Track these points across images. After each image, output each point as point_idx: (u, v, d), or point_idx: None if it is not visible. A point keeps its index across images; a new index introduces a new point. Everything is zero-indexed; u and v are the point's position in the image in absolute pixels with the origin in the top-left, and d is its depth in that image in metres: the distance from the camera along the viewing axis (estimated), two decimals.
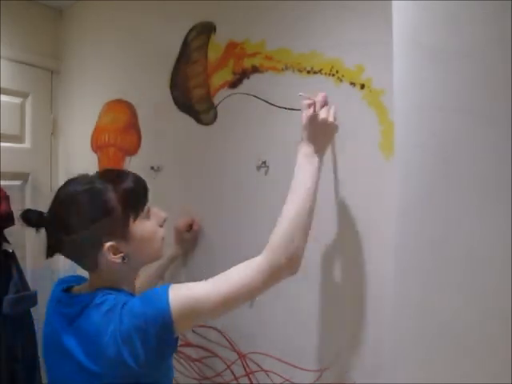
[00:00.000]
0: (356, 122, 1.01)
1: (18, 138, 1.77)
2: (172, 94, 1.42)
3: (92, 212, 0.80)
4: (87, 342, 0.76)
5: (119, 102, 1.61)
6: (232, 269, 0.80)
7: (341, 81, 1.04)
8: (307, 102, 0.89)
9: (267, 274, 0.78)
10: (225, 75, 1.28)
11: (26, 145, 1.80)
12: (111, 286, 0.83)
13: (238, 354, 1.24)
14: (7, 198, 1.51)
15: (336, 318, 1.05)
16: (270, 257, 0.79)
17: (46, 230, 0.84)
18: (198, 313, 0.76)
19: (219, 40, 1.29)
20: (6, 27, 1.68)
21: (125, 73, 1.61)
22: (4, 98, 1.69)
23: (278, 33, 1.16)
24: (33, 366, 1.53)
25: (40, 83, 1.84)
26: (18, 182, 1.75)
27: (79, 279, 0.93)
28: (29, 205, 1.76)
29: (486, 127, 0.53)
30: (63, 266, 1.80)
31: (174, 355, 1.26)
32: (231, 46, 1.26)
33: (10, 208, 1.50)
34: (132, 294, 0.86)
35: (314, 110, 0.87)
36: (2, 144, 1.65)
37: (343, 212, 1.02)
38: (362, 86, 1.00)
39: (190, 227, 1.31)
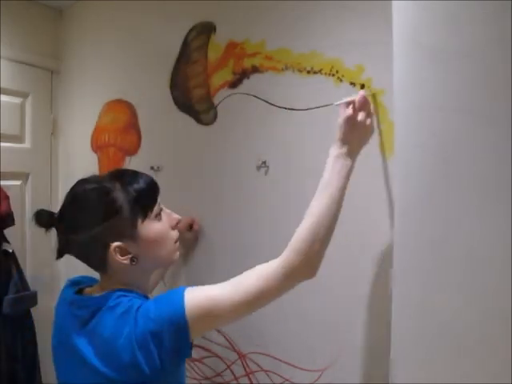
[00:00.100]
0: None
1: (18, 138, 1.77)
2: (172, 94, 1.43)
3: (99, 211, 0.79)
4: (100, 344, 0.74)
5: (119, 101, 1.61)
6: (249, 272, 0.78)
7: (341, 81, 1.04)
8: (347, 99, 0.83)
9: (285, 278, 0.75)
10: (225, 75, 1.28)
11: (26, 145, 1.80)
12: (123, 288, 0.81)
13: (238, 354, 1.24)
14: (7, 197, 1.51)
15: (336, 318, 1.05)
16: (289, 260, 0.76)
17: (56, 230, 0.83)
18: (214, 317, 0.75)
19: (219, 40, 1.29)
20: (6, 27, 1.68)
21: (125, 73, 1.61)
22: (4, 98, 1.69)
23: (278, 33, 1.16)
24: (33, 366, 1.53)
25: (40, 83, 1.85)
26: (17, 182, 1.75)
27: (90, 280, 0.92)
28: (29, 205, 1.76)
29: (486, 127, 0.53)
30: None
31: None
32: (231, 46, 1.26)
33: (10, 208, 1.51)
34: (146, 297, 0.85)
35: (354, 111, 0.81)
36: (2, 144, 1.65)
37: (343, 212, 1.02)
38: (362, 86, 1.00)
39: (190, 227, 1.32)
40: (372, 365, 0.98)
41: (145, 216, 0.82)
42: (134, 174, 0.86)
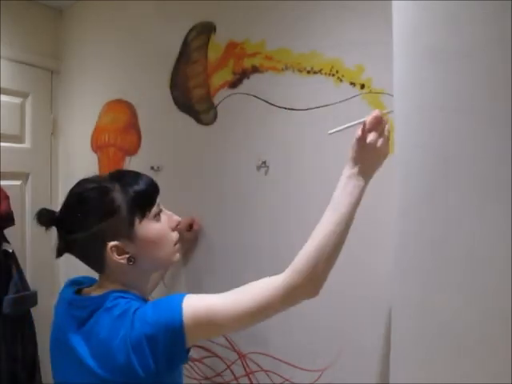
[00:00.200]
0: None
1: (18, 138, 1.77)
2: (172, 94, 1.43)
3: (96, 210, 0.80)
4: (96, 345, 0.74)
5: (119, 101, 1.61)
6: (251, 285, 0.77)
7: (341, 81, 1.04)
8: (359, 121, 0.79)
9: (286, 296, 0.74)
10: (225, 75, 1.28)
11: (26, 145, 1.80)
12: (121, 289, 0.82)
13: (238, 354, 1.24)
14: (7, 197, 1.51)
15: (336, 318, 1.05)
16: (291, 279, 0.74)
17: (56, 229, 0.84)
18: (211, 326, 0.74)
19: (219, 40, 1.29)
20: (6, 27, 1.68)
21: (125, 73, 1.61)
22: (4, 98, 1.69)
23: (278, 33, 1.16)
24: (33, 366, 1.53)
25: (40, 83, 1.85)
26: (17, 182, 1.75)
27: (90, 280, 0.92)
28: (29, 205, 1.76)
29: (486, 127, 0.53)
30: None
31: None
32: (231, 46, 1.26)
33: (10, 208, 1.51)
34: (144, 299, 0.85)
35: (363, 132, 0.77)
36: (2, 144, 1.65)
37: None
38: (362, 86, 1.00)
39: (190, 227, 1.32)
40: (372, 365, 0.98)
41: (143, 216, 0.82)
42: (134, 175, 0.86)
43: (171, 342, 0.71)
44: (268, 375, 1.17)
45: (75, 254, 0.84)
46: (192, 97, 1.37)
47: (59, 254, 0.85)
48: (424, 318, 0.63)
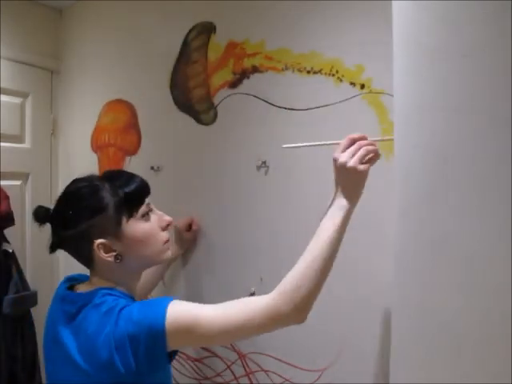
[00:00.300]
0: (356, 121, 1.01)
1: (18, 138, 1.77)
2: (172, 93, 1.43)
3: (85, 208, 0.82)
4: (83, 340, 0.76)
5: (119, 101, 1.61)
6: (239, 301, 0.77)
7: (341, 81, 1.04)
8: (336, 142, 0.80)
9: (269, 320, 0.73)
10: (225, 75, 1.28)
11: (26, 145, 1.80)
12: (110, 286, 0.84)
13: (238, 354, 1.24)
14: (7, 197, 1.51)
15: (336, 318, 1.05)
16: (275, 302, 0.74)
17: (51, 225, 0.87)
18: (192, 335, 0.74)
19: (219, 40, 1.30)
20: (6, 27, 1.68)
21: (125, 73, 1.61)
22: (4, 98, 1.69)
23: (278, 33, 1.16)
24: (33, 366, 1.53)
25: (40, 83, 1.84)
26: (17, 182, 1.75)
27: (86, 278, 0.93)
28: (29, 205, 1.76)
29: (486, 127, 0.53)
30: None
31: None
32: (231, 46, 1.26)
33: (10, 208, 1.50)
34: (132, 297, 0.87)
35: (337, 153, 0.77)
36: (2, 144, 1.65)
37: None
38: (362, 86, 1.00)
39: (189, 227, 1.32)
40: (372, 365, 0.98)
41: (130, 216, 0.84)
42: (125, 175, 0.88)
43: (152, 344, 0.72)
44: (268, 375, 1.17)
45: (67, 250, 0.87)
46: (192, 97, 1.37)
47: (52, 249, 0.88)
48: (424, 318, 0.63)
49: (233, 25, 1.26)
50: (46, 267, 1.79)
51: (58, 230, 0.85)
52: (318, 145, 0.83)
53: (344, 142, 0.78)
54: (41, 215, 0.87)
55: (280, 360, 1.14)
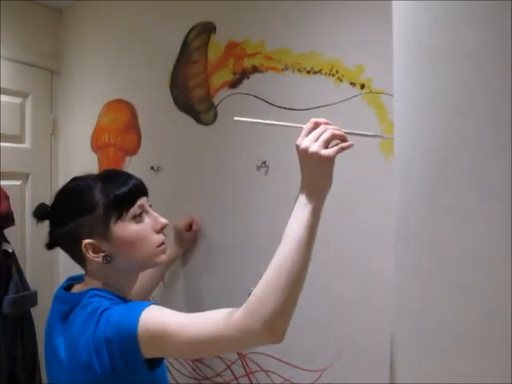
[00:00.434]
0: (356, 121, 1.01)
1: (18, 138, 1.77)
2: (172, 93, 1.43)
3: (75, 206, 0.83)
4: (69, 340, 0.77)
5: (119, 101, 1.61)
6: (212, 313, 0.72)
7: (341, 81, 1.04)
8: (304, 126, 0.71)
9: (240, 335, 0.66)
10: (225, 75, 1.28)
11: (26, 145, 1.80)
12: (101, 288, 0.83)
13: (237, 353, 1.24)
14: (7, 197, 1.51)
15: (336, 318, 1.05)
16: (244, 318, 0.66)
17: (49, 222, 0.87)
18: (164, 343, 0.71)
19: (219, 40, 1.29)
20: (6, 27, 1.68)
21: (125, 73, 1.61)
22: (4, 98, 1.69)
23: (278, 33, 1.16)
24: (33, 366, 1.53)
25: (40, 83, 1.84)
26: (17, 182, 1.75)
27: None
28: (29, 205, 1.76)
29: (486, 127, 0.53)
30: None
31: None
32: (231, 46, 1.26)
33: (10, 208, 1.51)
34: (124, 299, 0.85)
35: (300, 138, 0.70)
36: (2, 144, 1.65)
37: (343, 212, 1.02)
38: (362, 86, 1.00)
39: (189, 227, 1.32)
40: (372, 365, 0.98)
41: (119, 216, 0.82)
42: (121, 176, 0.87)
43: (126, 348, 0.71)
44: (268, 375, 1.17)
45: (62, 248, 0.87)
46: (192, 97, 1.37)
47: (48, 247, 0.89)
48: (424, 317, 0.63)
49: (233, 25, 1.26)
50: (46, 267, 1.79)
51: (52, 228, 0.86)
52: (276, 125, 0.74)
53: (308, 125, 0.70)
54: (39, 212, 0.87)
55: (280, 360, 1.14)
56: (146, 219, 0.87)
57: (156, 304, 0.77)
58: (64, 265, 1.79)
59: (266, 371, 1.18)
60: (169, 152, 1.45)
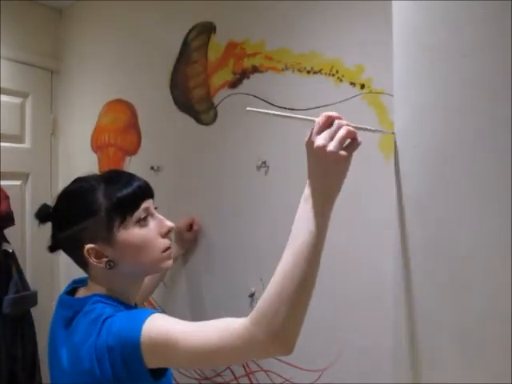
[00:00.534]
0: (356, 122, 1.00)
1: (18, 138, 1.77)
2: (172, 93, 1.43)
3: (77, 209, 0.80)
4: (71, 348, 0.75)
5: (119, 101, 1.61)
6: (217, 321, 0.69)
7: (341, 81, 1.04)
8: (315, 120, 0.64)
9: (247, 347, 0.64)
10: (225, 75, 1.28)
11: (26, 145, 1.80)
12: (104, 294, 0.81)
13: None
14: (7, 197, 1.51)
15: (336, 318, 1.05)
16: (252, 329, 0.63)
17: (51, 225, 0.85)
18: (167, 353, 0.69)
19: (219, 40, 1.30)
20: (6, 27, 1.68)
21: (125, 73, 1.61)
22: (4, 98, 1.69)
23: (278, 33, 1.16)
24: (33, 366, 1.53)
25: (40, 83, 1.84)
26: (17, 182, 1.75)
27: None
28: (29, 205, 1.76)
29: (486, 127, 0.53)
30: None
31: None
32: (231, 46, 1.26)
33: (10, 208, 1.51)
34: (129, 306, 0.83)
35: (311, 135, 0.63)
36: (2, 144, 1.65)
37: (343, 212, 1.02)
38: (362, 86, 1.00)
39: (190, 227, 1.32)
40: (372, 365, 0.98)
41: (122, 221, 0.79)
42: (124, 177, 0.84)
43: (129, 357, 0.69)
44: (268, 375, 1.17)
45: (64, 251, 0.84)
46: (192, 97, 1.37)
47: (50, 250, 0.86)
48: (424, 318, 0.63)
49: (233, 25, 1.26)
50: (46, 267, 1.79)
51: (54, 231, 0.83)
52: (288, 117, 0.71)
53: (320, 119, 0.62)
54: (41, 213, 0.84)
55: (280, 360, 1.14)
56: (151, 223, 0.83)
57: (160, 312, 0.75)
58: (64, 265, 1.79)
59: (266, 371, 1.18)
60: (169, 152, 1.45)
